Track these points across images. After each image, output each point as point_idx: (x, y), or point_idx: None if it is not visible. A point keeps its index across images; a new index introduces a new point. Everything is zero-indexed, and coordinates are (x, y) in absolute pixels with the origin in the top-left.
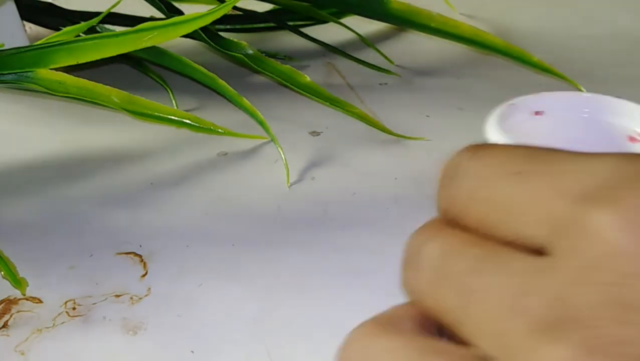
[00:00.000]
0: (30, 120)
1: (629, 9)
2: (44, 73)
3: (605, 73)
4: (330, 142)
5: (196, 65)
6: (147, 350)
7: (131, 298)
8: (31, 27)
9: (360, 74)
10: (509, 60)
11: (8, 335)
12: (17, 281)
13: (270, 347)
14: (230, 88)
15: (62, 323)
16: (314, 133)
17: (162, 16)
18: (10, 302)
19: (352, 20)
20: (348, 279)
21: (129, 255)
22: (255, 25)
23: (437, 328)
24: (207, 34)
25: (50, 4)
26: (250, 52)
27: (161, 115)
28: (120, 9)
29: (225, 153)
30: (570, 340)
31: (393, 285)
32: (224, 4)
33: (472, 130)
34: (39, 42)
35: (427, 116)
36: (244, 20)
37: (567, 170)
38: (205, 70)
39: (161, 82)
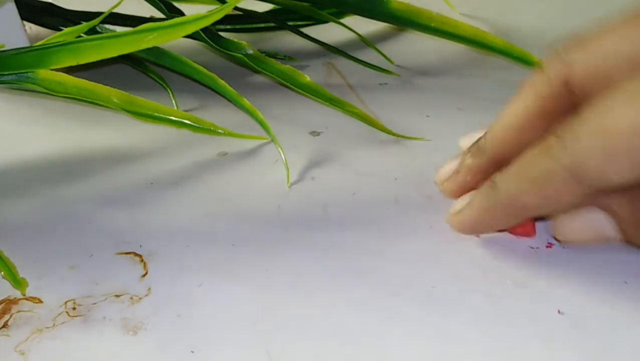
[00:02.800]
0: (30, 120)
1: (629, 9)
2: (44, 73)
3: None
4: (330, 142)
5: (196, 65)
6: (147, 350)
7: (131, 298)
8: (31, 27)
9: (360, 74)
10: (509, 60)
11: (8, 335)
12: (17, 282)
13: (270, 347)
14: (230, 88)
15: (62, 323)
16: (314, 133)
17: (163, 16)
18: (10, 302)
19: (352, 20)
20: (348, 279)
21: (129, 255)
22: (255, 25)
23: None
24: (208, 34)
25: (51, 4)
26: (250, 52)
27: (161, 115)
28: (120, 9)
29: (225, 154)
30: None
31: (393, 285)
32: (225, 5)
33: (472, 130)
34: (39, 43)
35: (427, 116)
36: (244, 20)
37: None
38: (205, 70)
39: (161, 82)
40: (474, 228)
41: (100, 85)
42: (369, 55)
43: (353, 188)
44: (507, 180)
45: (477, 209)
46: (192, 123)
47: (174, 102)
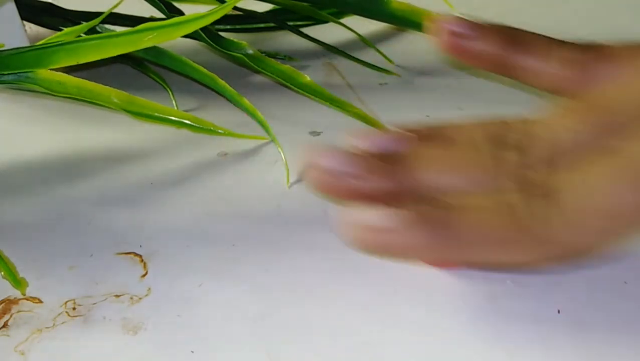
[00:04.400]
0: (30, 120)
1: (629, 9)
2: (44, 73)
3: None
4: (330, 142)
5: (196, 65)
6: (147, 350)
7: (131, 298)
8: (31, 27)
9: (360, 74)
10: None
11: (8, 335)
12: (17, 282)
13: (270, 347)
14: (230, 88)
15: (62, 323)
16: (314, 133)
17: (162, 16)
18: (10, 302)
19: (352, 20)
20: (348, 279)
21: (129, 255)
22: (255, 25)
23: None
24: (207, 34)
25: (50, 4)
26: (250, 52)
27: (161, 115)
28: (120, 9)
29: (225, 154)
30: None
31: (393, 285)
32: (225, 4)
33: None
34: (39, 43)
35: (427, 116)
36: (244, 20)
37: None
38: (205, 70)
39: (161, 82)
40: (402, 253)
41: (100, 85)
42: (369, 55)
43: None
44: (466, 222)
45: (421, 236)
46: (192, 123)
47: (174, 102)
